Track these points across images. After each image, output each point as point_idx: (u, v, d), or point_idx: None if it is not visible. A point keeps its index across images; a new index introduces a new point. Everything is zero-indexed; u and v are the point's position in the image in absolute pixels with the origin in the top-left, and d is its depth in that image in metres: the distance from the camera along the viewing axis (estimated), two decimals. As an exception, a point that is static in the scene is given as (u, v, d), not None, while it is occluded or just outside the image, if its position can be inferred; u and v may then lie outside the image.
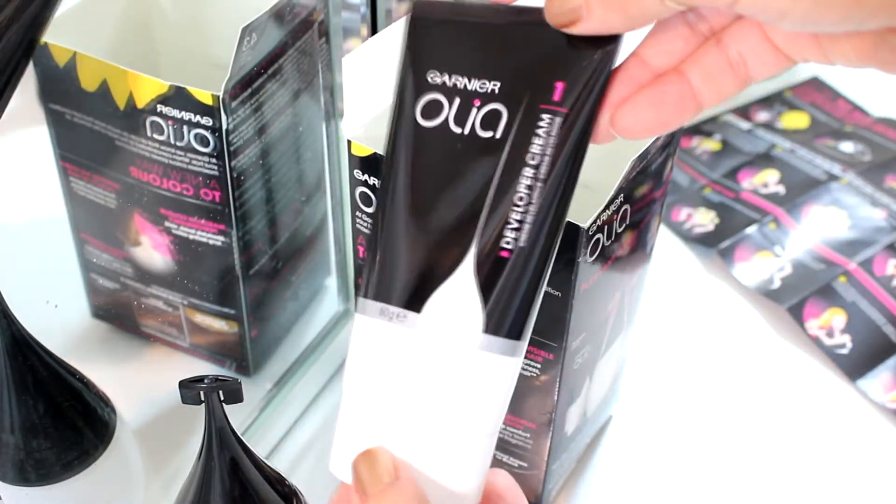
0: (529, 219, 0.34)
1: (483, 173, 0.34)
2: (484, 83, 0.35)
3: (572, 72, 0.34)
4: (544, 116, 0.34)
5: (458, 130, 0.35)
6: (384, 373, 0.36)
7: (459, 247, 0.34)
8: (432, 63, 0.35)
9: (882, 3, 0.28)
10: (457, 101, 0.35)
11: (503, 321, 0.34)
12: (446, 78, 0.35)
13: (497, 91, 0.34)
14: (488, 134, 0.34)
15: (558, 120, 0.34)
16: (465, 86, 0.35)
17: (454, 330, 0.35)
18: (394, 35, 0.46)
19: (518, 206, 0.34)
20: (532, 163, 0.34)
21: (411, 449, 0.36)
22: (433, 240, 0.35)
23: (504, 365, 0.35)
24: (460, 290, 0.34)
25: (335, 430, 0.37)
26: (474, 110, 0.35)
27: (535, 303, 0.35)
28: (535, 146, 0.34)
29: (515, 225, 0.34)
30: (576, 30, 0.32)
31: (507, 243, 0.34)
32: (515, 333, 0.35)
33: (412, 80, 0.35)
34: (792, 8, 0.28)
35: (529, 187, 0.34)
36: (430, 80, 0.35)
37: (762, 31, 0.32)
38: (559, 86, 0.34)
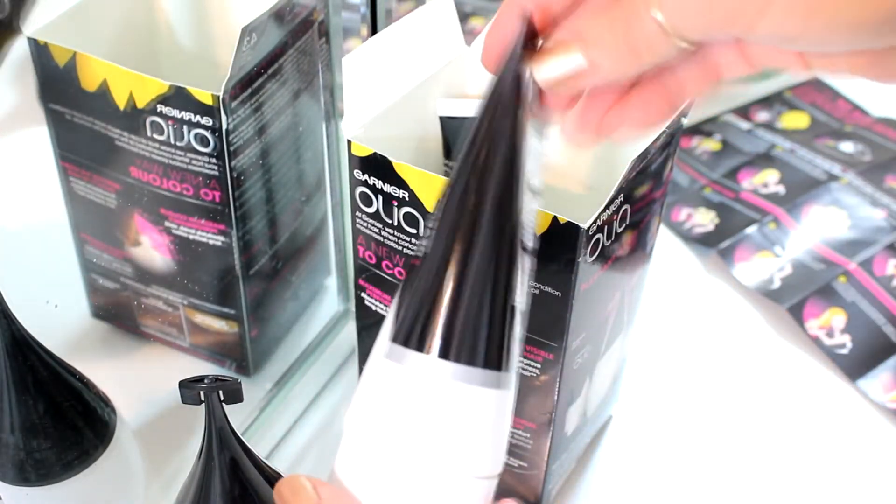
0: None
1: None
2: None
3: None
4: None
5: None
6: (432, 426, 0.34)
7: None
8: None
9: (889, 25, 0.28)
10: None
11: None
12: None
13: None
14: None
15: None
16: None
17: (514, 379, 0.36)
18: (394, 35, 0.46)
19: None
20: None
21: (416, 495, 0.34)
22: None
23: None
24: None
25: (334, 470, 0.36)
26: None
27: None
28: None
29: None
30: (576, 86, 0.31)
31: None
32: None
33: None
34: (803, 34, 0.28)
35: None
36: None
37: (739, 47, 0.32)
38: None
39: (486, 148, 0.32)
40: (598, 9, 0.31)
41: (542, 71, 0.31)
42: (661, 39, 0.30)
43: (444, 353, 0.33)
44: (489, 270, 0.33)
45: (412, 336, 0.33)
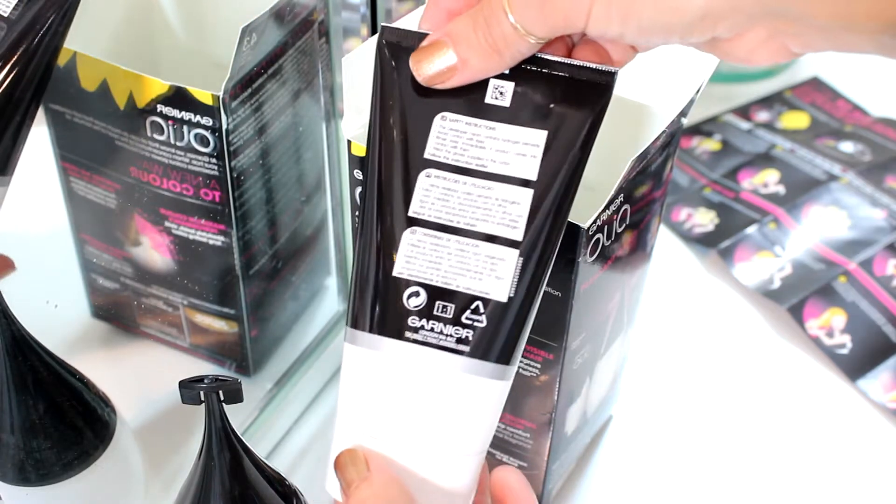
0: None
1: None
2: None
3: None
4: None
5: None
6: (422, 409, 0.37)
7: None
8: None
9: (697, 30, 0.33)
10: None
11: None
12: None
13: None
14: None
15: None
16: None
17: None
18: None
19: None
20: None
21: (405, 467, 0.37)
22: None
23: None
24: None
25: (330, 451, 0.37)
26: None
27: None
28: None
29: None
30: (450, 84, 0.36)
31: None
32: None
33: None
34: (624, 35, 0.34)
35: None
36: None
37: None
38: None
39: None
40: (465, 12, 0.35)
41: (419, 68, 0.36)
42: (517, 37, 0.34)
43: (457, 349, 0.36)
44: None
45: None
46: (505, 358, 0.37)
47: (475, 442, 0.37)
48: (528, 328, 0.37)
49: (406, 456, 0.37)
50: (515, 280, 0.36)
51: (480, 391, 0.37)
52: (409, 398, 0.37)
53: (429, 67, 0.35)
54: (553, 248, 0.37)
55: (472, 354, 0.36)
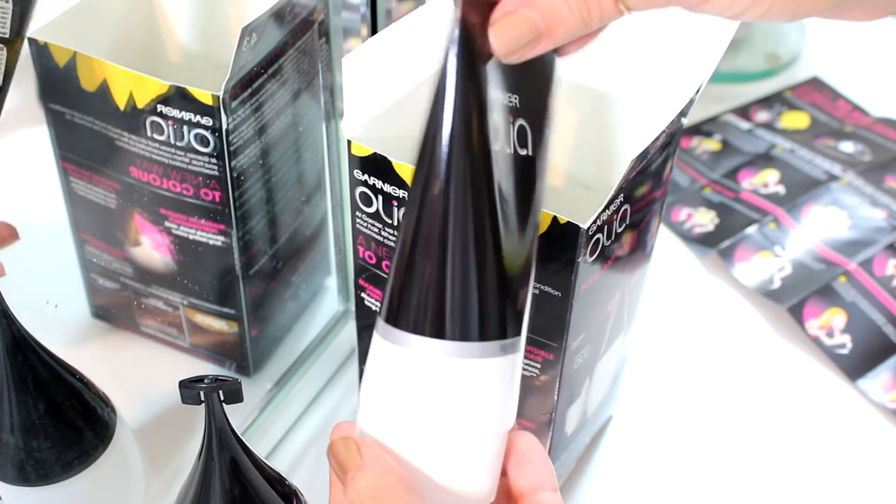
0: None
1: (528, 191, 0.35)
2: (511, 97, 0.34)
3: (553, 84, 0.35)
4: (546, 132, 0.35)
5: (507, 150, 0.35)
6: (448, 399, 0.36)
7: (529, 267, 0.36)
8: (503, 82, 0.34)
9: (831, 8, 0.32)
10: (517, 122, 0.35)
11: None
12: (510, 97, 0.34)
13: (518, 105, 0.34)
14: (524, 151, 0.35)
15: (550, 136, 0.35)
16: (510, 101, 0.34)
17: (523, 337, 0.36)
18: (394, 35, 0.46)
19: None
20: (543, 177, 0.36)
21: (432, 459, 0.36)
22: (519, 267, 0.35)
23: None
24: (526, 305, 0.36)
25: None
26: (510, 126, 0.35)
27: None
28: (543, 162, 0.36)
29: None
30: (534, 52, 0.33)
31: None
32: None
33: (490, 99, 0.33)
34: (744, 14, 0.32)
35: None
36: (509, 102, 0.34)
37: None
38: (549, 102, 0.35)
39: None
40: None
41: (500, 40, 0.32)
42: (614, 9, 0.32)
43: (439, 333, 0.34)
44: (467, 244, 0.34)
45: (409, 319, 0.35)
46: (494, 334, 0.35)
47: (480, 423, 0.36)
48: (492, 300, 0.35)
49: (410, 442, 0.36)
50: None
51: (471, 372, 0.35)
52: (405, 386, 0.36)
53: (510, 38, 0.32)
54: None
55: (452, 337, 0.35)
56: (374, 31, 0.56)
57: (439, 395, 0.35)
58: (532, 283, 0.36)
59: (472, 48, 0.32)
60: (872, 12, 0.34)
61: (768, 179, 0.83)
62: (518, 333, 0.36)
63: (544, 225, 0.43)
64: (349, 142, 0.46)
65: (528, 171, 0.35)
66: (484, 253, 0.34)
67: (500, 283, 0.34)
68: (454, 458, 0.36)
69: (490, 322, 0.35)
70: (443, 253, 0.33)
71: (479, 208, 0.33)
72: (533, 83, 0.35)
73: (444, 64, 0.32)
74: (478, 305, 0.34)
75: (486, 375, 0.35)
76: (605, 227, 0.45)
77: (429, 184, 0.33)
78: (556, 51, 0.34)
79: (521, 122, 0.34)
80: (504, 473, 0.38)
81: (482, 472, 0.37)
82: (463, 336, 0.34)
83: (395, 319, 0.35)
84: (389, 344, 0.35)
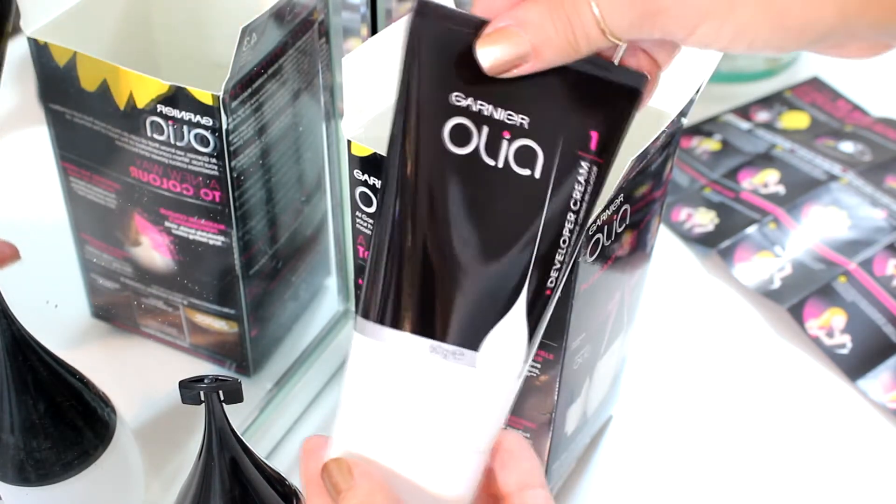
0: (568, 259, 0.35)
1: (527, 212, 0.35)
2: (511, 115, 0.34)
3: (606, 122, 0.34)
4: (583, 164, 0.34)
5: (491, 162, 0.34)
6: (425, 402, 0.36)
7: (513, 286, 0.35)
8: (455, 83, 0.34)
9: (810, 44, 0.32)
10: (485, 129, 0.34)
11: (534, 350, 0.36)
12: (471, 102, 0.34)
13: (528, 126, 0.34)
14: (526, 171, 0.34)
15: (595, 169, 0.35)
16: (492, 114, 0.34)
17: (504, 364, 0.36)
18: (394, 35, 0.46)
19: (562, 248, 0.35)
20: (574, 208, 0.35)
21: (411, 465, 0.36)
22: (487, 278, 0.35)
23: (517, 387, 0.37)
24: (513, 328, 0.35)
25: (335, 447, 0.37)
26: (505, 143, 0.34)
27: None
28: (577, 192, 0.35)
29: (558, 265, 0.35)
30: (520, 71, 0.33)
31: (551, 283, 0.35)
32: (530, 359, 0.37)
33: (435, 99, 0.34)
34: (727, 49, 0.33)
35: (570, 231, 0.35)
36: (454, 101, 0.34)
37: None
38: (594, 135, 0.34)
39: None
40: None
41: (486, 55, 0.33)
42: (600, 36, 0.32)
43: (420, 330, 0.35)
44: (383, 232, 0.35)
45: (379, 312, 0.35)
46: (468, 342, 0.35)
47: (460, 435, 0.36)
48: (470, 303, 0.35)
49: (392, 451, 0.36)
50: None
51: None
52: (388, 388, 0.36)
53: (496, 55, 0.33)
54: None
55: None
56: (374, 31, 0.56)
57: (417, 398, 0.36)
58: (517, 307, 0.36)
59: (421, 42, 0.33)
60: (868, 49, 0.34)
61: (768, 179, 0.83)
62: (471, 345, 0.35)
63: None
64: (349, 142, 0.46)
65: (519, 191, 0.34)
66: (398, 247, 0.35)
67: (433, 284, 0.35)
68: (428, 465, 0.36)
69: (424, 319, 0.35)
70: (378, 241, 0.35)
71: (391, 200, 0.34)
72: (562, 111, 0.34)
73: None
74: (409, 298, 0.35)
75: (440, 378, 0.35)
76: (605, 227, 0.45)
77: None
78: (635, 94, 0.34)
79: (526, 142, 0.34)
80: (490, 475, 0.38)
81: (456, 483, 0.37)
82: (391, 322, 0.35)
83: (364, 311, 0.36)
84: (357, 335, 0.36)
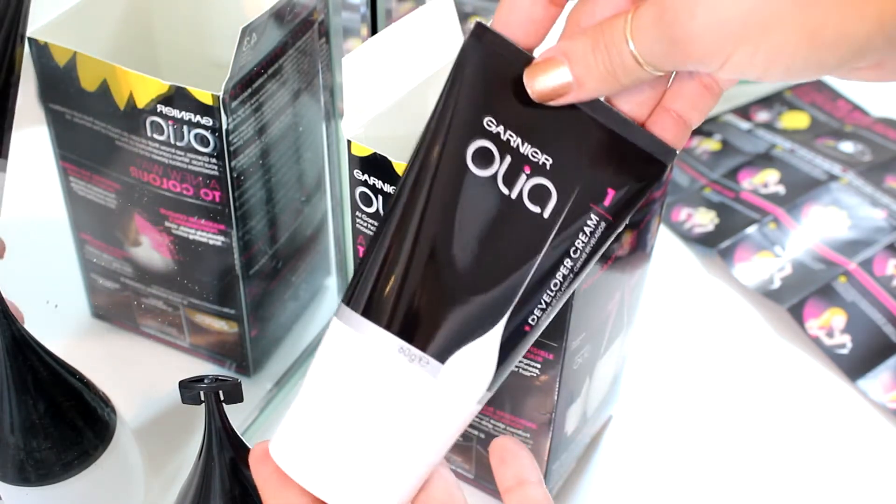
0: (556, 303, 0.36)
1: (527, 248, 0.35)
2: (536, 153, 0.35)
3: (624, 184, 0.35)
4: (593, 217, 0.35)
5: (505, 191, 0.35)
6: (377, 398, 0.36)
7: (495, 313, 0.35)
8: (491, 108, 0.35)
9: (845, 68, 0.32)
10: (508, 159, 0.35)
11: (498, 381, 0.37)
12: (501, 130, 0.35)
13: (549, 167, 0.35)
14: (536, 209, 0.35)
15: (603, 224, 0.35)
16: (518, 147, 0.35)
17: (465, 385, 0.36)
18: (394, 35, 0.46)
19: (551, 290, 0.36)
20: (573, 255, 0.35)
21: (362, 459, 0.36)
22: (471, 298, 0.35)
23: (476, 411, 0.37)
24: (483, 353, 0.36)
25: (287, 419, 0.37)
26: (523, 177, 0.35)
27: None
28: (580, 241, 0.35)
29: (543, 306, 0.36)
30: (564, 100, 0.34)
31: (532, 320, 0.36)
32: (495, 388, 0.37)
33: (469, 117, 0.35)
34: (762, 77, 0.32)
35: (564, 276, 0.36)
36: (486, 125, 0.35)
37: None
38: (611, 192, 0.35)
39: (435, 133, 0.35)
40: (583, 31, 0.34)
41: (535, 83, 0.34)
42: (637, 68, 0.33)
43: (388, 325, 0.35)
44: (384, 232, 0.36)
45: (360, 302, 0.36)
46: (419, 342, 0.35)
47: (406, 441, 0.36)
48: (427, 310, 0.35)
49: (338, 438, 0.36)
50: None
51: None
52: (350, 376, 0.36)
53: (543, 83, 0.34)
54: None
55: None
56: (374, 31, 0.56)
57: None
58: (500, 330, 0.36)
59: (471, 71, 0.35)
60: None
61: (768, 179, 0.83)
62: (438, 356, 0.35)
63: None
64: (349, 142, 0.46)
65: (525, 225, 0.35)
66: (380, 245, 0.35)
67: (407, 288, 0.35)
68: (368, 461, 0.36)
69: (390, 314, 0.35)
70: (378, 234, 0.36)
71: (400, 211, 0.35)
72: (586, 161, 0.35)
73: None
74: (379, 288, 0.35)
75: (400, 380, 0.36)
76: (605, 227, 0.45)
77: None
78: (659, 167, 0.35)
79: (543, 181, 0.35)
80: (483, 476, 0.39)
81: (391, 487, 0.36)
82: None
83: (347, 298, 0.36)
84: (335, 319, 0.37)
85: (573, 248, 0.35)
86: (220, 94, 0.50)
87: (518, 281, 0.35)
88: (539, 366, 0.49)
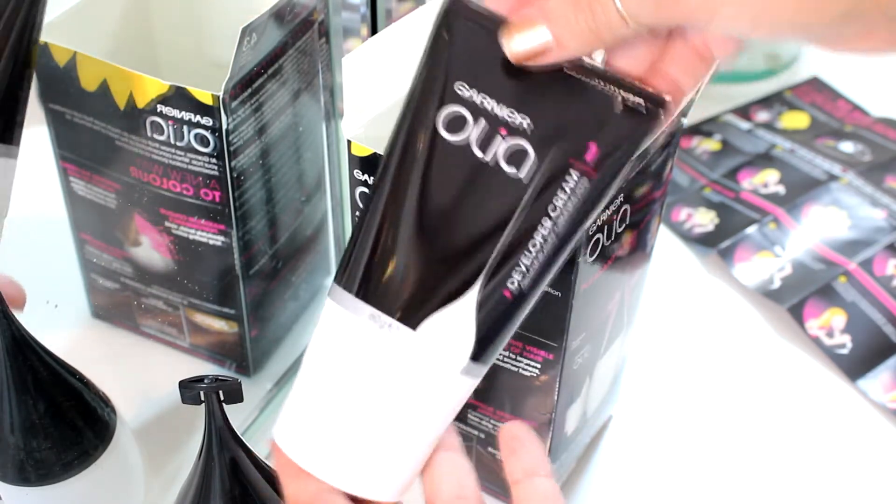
0: (536, 266, 0.35)
1: (502, 210, 0.34)
2: (512, 113, 0.34)
3: (609, 136, 0.34)
4: (573, 173, 0.34)
5: (480, 155, 0.34)
6: (356, 370, 0.36)
7: (467, 277, 0.34)
8: (463, 73, 0.34)
9: (835, 27, 0.31)
10: (482, 123, 0.34)
11: (486, 351, 0.36)
12: (474, 94, 0.34)
13: (526, 128, 0.34)
14: (512, 171, 0.34)
15: (585, 181, 0.34)
16: (493, 109, 0.34)
17: (442, 353, 0.35)
18: (394, 35, 0.46)
19: (530, 252, 0.34)
20: (552, 214, 0.34)
21: (352, 436, 0.36)
22: (442, 263, 0.35)
23: (470, 385, 0.36)
24: (458, 319, 0.35)
25: (286, 403, 0.37)
26: (499, 139, 0.34)
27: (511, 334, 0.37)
28: (559, 200, 0.34)
29: (523, 269, 0.34)
30: (544, 61, 0.33)
31: (512, 284, 0.35)
32: (486, 359, 0.36)
33: (439, 84, 0.34)
34: (750, 34, 0.32)
35: (544, 238, 0.34)
36: (457, 90, 0.34)
37: None
38: (592, 146, 0.34)
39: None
40: None
41: (512, 44, 0.33)
42: (622, 25, 0.32)
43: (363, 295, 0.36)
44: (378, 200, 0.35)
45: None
46: (487, 359, 0.35)
47: (392, 416, 0.36)
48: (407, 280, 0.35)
49: (330, 414, 0.36)
50: None
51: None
52: (333, 349, 0.36)
53: (521, 44, 0.33)
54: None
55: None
56: (374, 31, 0.56)
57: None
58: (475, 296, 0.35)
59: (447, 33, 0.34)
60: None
61: (768, 179, 0.83)
62: (409, 323, 0.35)
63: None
64: (349, 142, 0.46)
65: (500, 188, 0.34)
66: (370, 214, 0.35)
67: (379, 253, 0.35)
68: (359, 439, 0.36)
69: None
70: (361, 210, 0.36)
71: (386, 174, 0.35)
72: (567, 118, 0.34)
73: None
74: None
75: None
76: (605, 227, 0.45)
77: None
78: (650, 114, 0.34)
79: (520, 141, 0.34)
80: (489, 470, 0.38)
81: (386, 468, 0.36)
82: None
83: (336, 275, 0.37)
84: (327, 298, 0.37)
85: (552, 207, 0.34)
86: (220, 94, 0.50)
87: (491, 243, 0.34)
88: (539, 366, 0.49)
